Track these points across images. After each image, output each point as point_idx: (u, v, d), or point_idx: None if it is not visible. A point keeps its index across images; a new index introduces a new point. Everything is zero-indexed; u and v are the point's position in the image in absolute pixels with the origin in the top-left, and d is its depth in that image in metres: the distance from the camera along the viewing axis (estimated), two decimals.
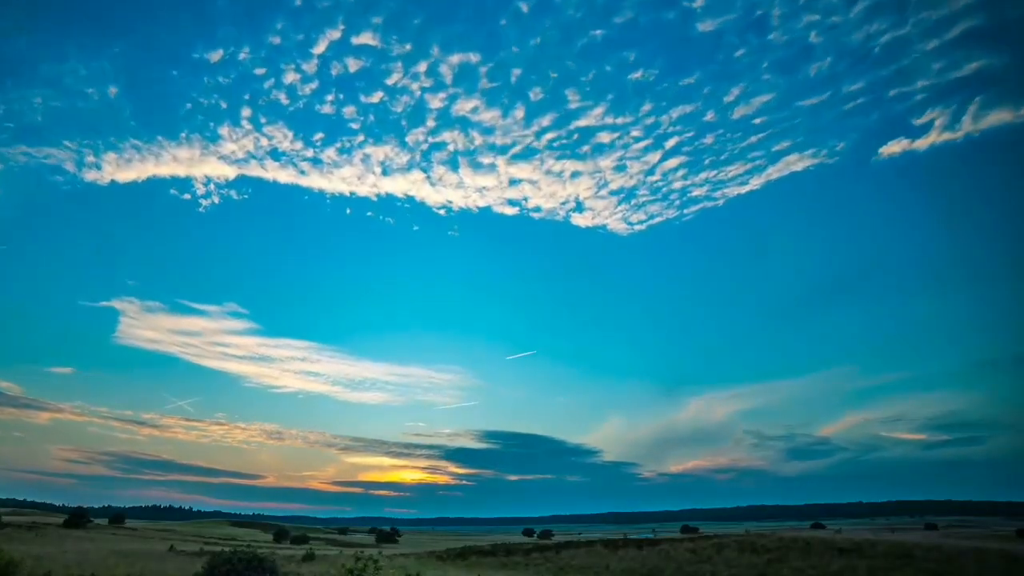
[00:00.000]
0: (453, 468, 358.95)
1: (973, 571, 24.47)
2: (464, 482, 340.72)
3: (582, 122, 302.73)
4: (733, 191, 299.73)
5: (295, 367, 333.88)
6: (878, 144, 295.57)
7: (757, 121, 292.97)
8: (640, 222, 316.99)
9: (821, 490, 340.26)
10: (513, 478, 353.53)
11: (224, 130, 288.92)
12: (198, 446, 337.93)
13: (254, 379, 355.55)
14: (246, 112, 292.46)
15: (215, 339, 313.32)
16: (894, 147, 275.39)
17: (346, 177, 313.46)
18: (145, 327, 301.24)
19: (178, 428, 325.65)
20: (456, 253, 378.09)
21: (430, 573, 25.90)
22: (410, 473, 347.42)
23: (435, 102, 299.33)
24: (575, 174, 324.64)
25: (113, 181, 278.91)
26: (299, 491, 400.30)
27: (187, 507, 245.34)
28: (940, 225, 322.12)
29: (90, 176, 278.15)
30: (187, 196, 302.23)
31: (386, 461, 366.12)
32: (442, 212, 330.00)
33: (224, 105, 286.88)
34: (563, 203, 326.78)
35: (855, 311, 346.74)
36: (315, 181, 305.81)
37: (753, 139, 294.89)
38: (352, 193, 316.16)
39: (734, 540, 35.50)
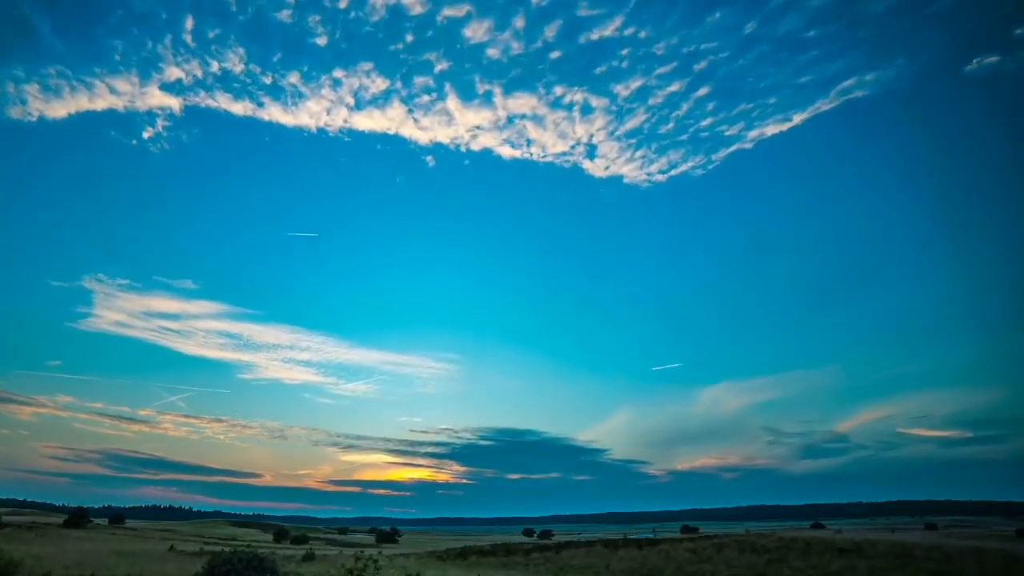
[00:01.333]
0: (453, 467, 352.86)
1: (973, 571, 24.46)
2: (464, 480, 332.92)
3: (595, 34, 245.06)
4: (771, 129, 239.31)
5: (283, 355, 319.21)
6: (962, 62, 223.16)
7: (810, 33, 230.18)
8: (661, 171, 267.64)
9: (835, 490, 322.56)
10: (514, 477, 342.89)
11: (165, 49, 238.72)
12: (190, 443, 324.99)
13: (244, 370, 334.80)
14: (189, 23, 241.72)
15: (198, 325, 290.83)
16: (975, 65, 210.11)
17: (314, 112, 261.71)
18: (120, 311, 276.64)
19: (168, 424, 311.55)
20: (447, 213, 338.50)
21: (430, 573, 25.90)
22: (408, 472, 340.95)
23: (416, 7, 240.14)
24: (587, 108, 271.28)
25: (42, 117, 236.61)
26: (296, 490, 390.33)
27: (186, 507, 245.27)
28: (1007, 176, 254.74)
29: (15, 113, 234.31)
30: (134, 141, 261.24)
31: (383, 459, 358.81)
32: (430, 160, 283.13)
33: (163, 15, 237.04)
34: (573, 146, 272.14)
35: (892, 287, 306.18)
36: (275, 115, 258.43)
37: (802, 58, 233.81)
38: (320, 130, 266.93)
39: (734, 540, 35.51)
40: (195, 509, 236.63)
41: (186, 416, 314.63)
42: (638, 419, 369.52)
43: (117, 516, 75.10)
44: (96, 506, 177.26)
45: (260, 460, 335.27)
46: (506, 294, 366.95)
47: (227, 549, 21.38)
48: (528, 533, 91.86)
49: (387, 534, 79.49)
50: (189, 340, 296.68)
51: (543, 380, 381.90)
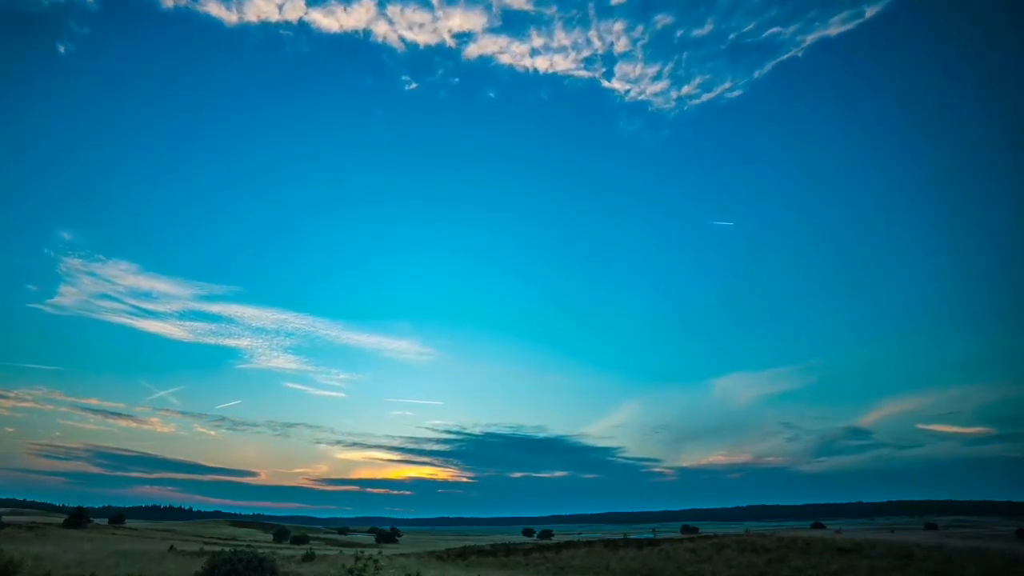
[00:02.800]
0: (454, 464, 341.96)
1: (973, 571, 24.47)
2: (464, 479, 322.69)
3: None
4: (834, 28, 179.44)
5: (270, 341, 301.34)
6: None
7: None
8: (692, 95, 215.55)
9: (855, 490, 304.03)
10: (517, 475, 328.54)
11: None
12: (180, 439, 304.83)
13: (234, 359, 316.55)
14: None
15: (173, 306, 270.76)
16: None
17: (262, 9, 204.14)
18: (84, 291, 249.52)
19: (157, 420, 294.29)
20: (430, 152, 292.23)
21: (430, 573, 25.90)
22: (407, 470, 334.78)
23: None
24: (603, 7, 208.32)
25: None
26: (293, 489, 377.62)
27: (185, 507, 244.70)
28: None
29: None
30: (48, 50, 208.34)
31: (381, 456, 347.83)
32: (410, 84, 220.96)
33: None
34: (589, 59, 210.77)
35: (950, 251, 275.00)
36: (213, 8, 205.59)
37: None
38: (269, 30, 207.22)
39: (734, 540, 35.51)
40: (194, 509, 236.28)
41: (179, 413, 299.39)
42: (646, 413, 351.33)
43: (117, 516, 75.14)
44: (87, 505, 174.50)
45: (254, 457, 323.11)
46: (506, 274, 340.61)
47: (227, 549, 21.39)
48: (528, 533, 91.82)
49: (387, 534, 79.50)
50: (168, 323, 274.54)
51: (547, 373, 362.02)
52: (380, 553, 37.52)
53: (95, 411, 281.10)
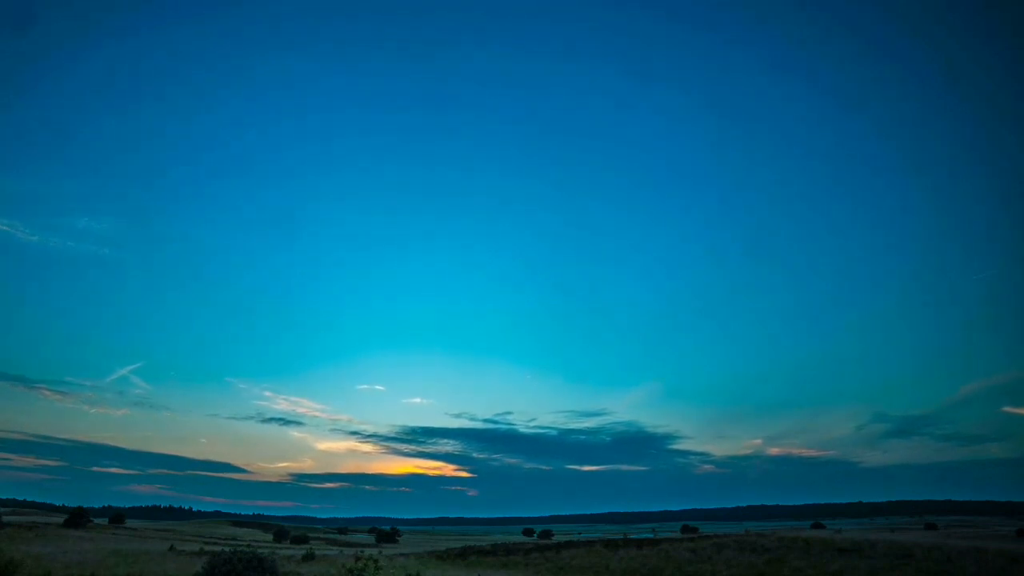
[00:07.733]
0: (454, 461, 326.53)
1: (973, 571, 24.47)
2: (465, 474, 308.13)
3: None
4: None
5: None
6: None
7: None
8: None
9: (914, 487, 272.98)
10: (528, 467, 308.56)
11: None
12: (155, 428, 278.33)
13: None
14: None
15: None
16: None
17: None
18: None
19: (121, 404, 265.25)
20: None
21: (430, 573, 25.93)
22: (408, 467, 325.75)
23: None
24: None
25: None
26: (287, 487, 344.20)
27: (186, 507, 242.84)
28: None
29: None
30: None
31: (373, 449, 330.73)
32: None
33: None
34: None
35: None
36: None
37: None
38: None
39: (734, 540, 35.52)
40: (194, 508, 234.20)
41: (140, 393, 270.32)
42: (670, 397, 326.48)
43: (117, 516, 75.21)
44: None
45: (241, 452, 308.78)
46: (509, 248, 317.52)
47: (227, 549, 21.41)
48: (528, 533, 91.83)
49: (387, 534, 79.48)
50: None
51: (552, 358, 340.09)
52: (380, 553, 37.56)
53: (51, 391, 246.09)
